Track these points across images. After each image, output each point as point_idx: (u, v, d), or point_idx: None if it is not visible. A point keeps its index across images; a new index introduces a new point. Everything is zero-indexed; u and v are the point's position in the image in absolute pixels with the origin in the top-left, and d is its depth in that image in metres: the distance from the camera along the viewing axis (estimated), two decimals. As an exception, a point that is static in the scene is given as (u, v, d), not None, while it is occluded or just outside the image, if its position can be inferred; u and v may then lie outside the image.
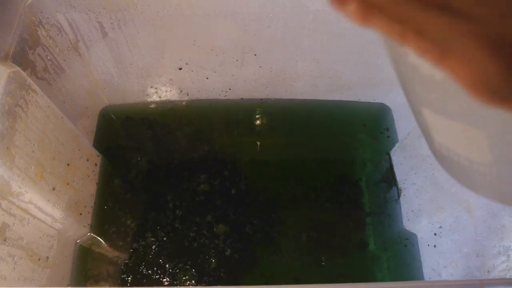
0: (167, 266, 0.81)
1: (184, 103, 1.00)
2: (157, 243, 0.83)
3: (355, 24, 0.21)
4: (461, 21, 0.19)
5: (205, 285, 0.79)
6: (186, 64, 0.89)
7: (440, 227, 0.74)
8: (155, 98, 0.99)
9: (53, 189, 0.70)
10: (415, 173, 0.81)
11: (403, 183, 0.85)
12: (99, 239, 0.83)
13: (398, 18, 0.20)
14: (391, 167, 0.90)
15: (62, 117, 0.73)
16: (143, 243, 0.83)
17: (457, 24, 0.19)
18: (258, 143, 0.96)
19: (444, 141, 0.25)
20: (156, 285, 0.79)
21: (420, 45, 0.20)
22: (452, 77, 0.20)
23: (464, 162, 0.24)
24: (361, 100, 0.99)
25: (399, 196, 0.86)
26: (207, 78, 0.93)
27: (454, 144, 0.25)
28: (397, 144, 0.90)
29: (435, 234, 0.75)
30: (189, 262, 0.81)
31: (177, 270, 0.81)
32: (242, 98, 0.99)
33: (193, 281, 0.80)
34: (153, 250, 0.82)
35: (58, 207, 0.72)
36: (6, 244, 0.61)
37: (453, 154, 0.25)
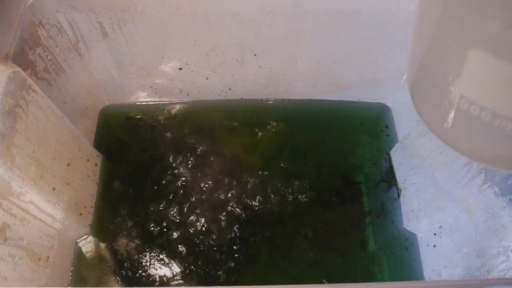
0: (167, 266, 0.81)
1: (184, 103, 1.00)
2: (157, 243, 0.83)
3: None
4: None
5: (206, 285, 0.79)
6: (186, 64, 0.90)
7: (440, 227, 0.74)
8: (155, 98, 0.99)
9: (54, 189, 0.70)
10: (415, 173, 0.81)
11: (403, 183, 0.86)
12: (99, 239, 0.83)
13: None
14: (391, 167, 0.90)
15: (62, 117, 0.73)
16: (144, 243, 0.83)
17: None
18: (258, 143, 0.96)
19: (470, 93, 0.22)
20: (156, 285, 0.79)
21: None
22: None
23: (485, 116, 0.22)
24: (361, 100, 0.99)
25: (399, 196, 0.86)
26: (207, 78, 0.93)
27: (482, 96, 0.22)
28: (397, 144, 0.90)
29: (435, 234, 0.75)
30: (188, 262, 0.81)
31: (177, 270, 0.81)
32: (242, 98, 0.99)
33: (193, 282, 0.80)
34: (154, 250, 0.82)
35: (58, 207, 0.72)
36: (7, 244, 0.61)
37: (474, 108, 0.22)
